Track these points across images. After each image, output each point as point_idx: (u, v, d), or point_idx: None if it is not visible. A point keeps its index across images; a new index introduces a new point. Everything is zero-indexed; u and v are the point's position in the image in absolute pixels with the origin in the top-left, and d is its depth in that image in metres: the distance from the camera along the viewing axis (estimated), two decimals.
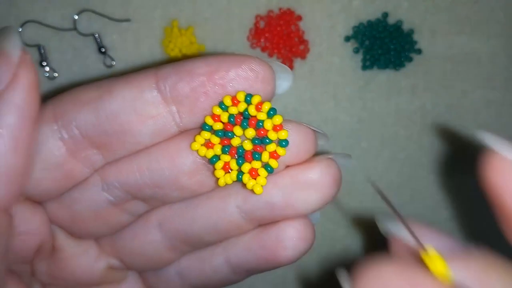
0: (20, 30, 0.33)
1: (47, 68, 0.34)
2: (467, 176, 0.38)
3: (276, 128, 0.22)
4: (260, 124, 0.22)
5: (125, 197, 0.24)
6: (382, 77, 0.36)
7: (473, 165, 0.38)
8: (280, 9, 0.34)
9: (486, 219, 0.38)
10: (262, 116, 0.22)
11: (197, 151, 0.22)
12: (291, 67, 0.35)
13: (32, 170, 0.22)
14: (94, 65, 0.34)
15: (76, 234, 0.25)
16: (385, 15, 0.35)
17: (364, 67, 0.35)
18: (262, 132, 0.22)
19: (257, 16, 0.34)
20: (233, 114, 0.22)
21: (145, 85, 0.22)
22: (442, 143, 0.37)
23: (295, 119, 0.35)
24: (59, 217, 0.25)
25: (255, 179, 0.22)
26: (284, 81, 0.23)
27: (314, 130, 0.23)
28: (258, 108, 0.22)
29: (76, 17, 0.33)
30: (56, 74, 0.34)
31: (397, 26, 0.35)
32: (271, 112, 0.22)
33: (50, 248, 0.25)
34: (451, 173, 0.37)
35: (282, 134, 0.22)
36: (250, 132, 0.22)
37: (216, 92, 0.22)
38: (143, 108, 0.22)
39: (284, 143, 0.22)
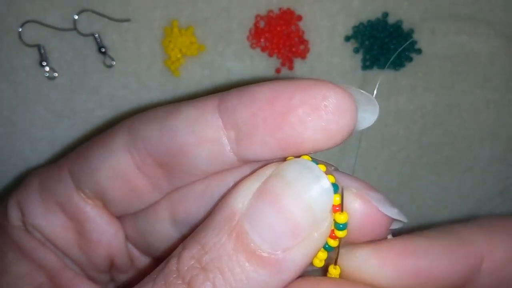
0: (20, 30, 0.33)
1: (47, 68, 0.34)
2: (467, 176, 0.38)
3: (335, 209, 0.19)
4: None
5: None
6: (382, 77, 0.36)
7: (473, 165, 0.38)
8: (280, 9, 0.34)
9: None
10: None
11: None
12: (291, 67, 0.35)
13: (101, 175, 0.23)
14: (94, 65, 0.34)
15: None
16: (385, 15, 0.35)
17: (364, 67, 0.35)
18: None
19: (257, 16, 0.34)
20: None
21: (208, 106, 0.21)
22: (442, 143, 0.37)
23: None
24: (132, 235, 0.25)
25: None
26: (369, 114, 0.20)
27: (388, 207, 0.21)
28: None
29: (76, 17, 0.33)
30: (56, 74, 0.34)
31: (397, 26, 0.35)
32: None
33: (127, 263, 0.26)
34: (451, 173, 0.37)
35: (340, 218, 0.19)
36: None
37: (276, 121, 0.19)
38: (202, 129, 0.21)
39: (341, 226, 0.19)
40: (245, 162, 0.21)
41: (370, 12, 0.35)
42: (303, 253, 0.18)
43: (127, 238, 0.25)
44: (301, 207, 0.18)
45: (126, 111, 0.35)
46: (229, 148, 0.21)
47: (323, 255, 0.20)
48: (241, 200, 0.19)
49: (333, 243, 0.20)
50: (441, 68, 0.36)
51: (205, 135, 0.21)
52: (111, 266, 0.26)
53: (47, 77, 0.34)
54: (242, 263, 0.18)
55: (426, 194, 0.37)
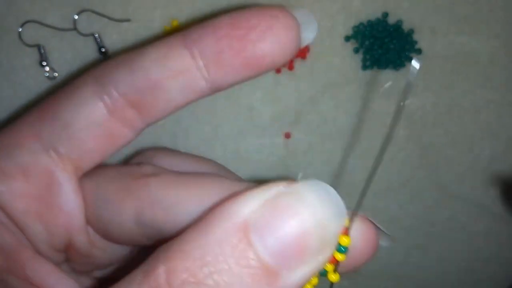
0: (20, 30, 0.33)
1: (47, 68, 0.34)
2: (467, 176, 0.38)
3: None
4: None
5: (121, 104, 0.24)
6: (382, 77, 0.36)
7: (473, 165, 0.38)
8: None
9: (485, 219, 0.38)
10: None
11: None
12: (291, 67, 0.35)
13: (75, 127, 0.23)
14: (94, 65, 0.34)
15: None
16: (385, 15, 0.35)
17: (364, 67, 0.35)
18: None
19: None
20: None
21: (173, 42, 0.23)
22: (442, 143, 0.37)
23: (295, 119, 0.36)
24: (90, 216, 0.25)
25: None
26: (309, 33, 0.23)
27: (379, 230, 0.22)
28: None
29: (76, 17, 0.33)
30: (56, 74, 0.34)
31: (397, 26, 0.35)
32: None
33: (85, 244, 0.25)
34: (451, 173, 0.37)
35: (344, 240, 0.19)
36: None
37: (239, 43, 0.22)
38: (172, 64, 0.23)
39: (343, 249, 0.19)
40: (215, 89, 0.24)
41: (370, 12, 0.35)
42: (304, 275, 0.17)
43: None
44: (316, 227, 0.18)
45: None
46: (199, 76, 0.23)
47: (315, 280, 0.19)
48: (250, 210, 0.17)
49: (328, 267, 0.19)
50: (441, 68, 0.36)
51: (176, 67, 0.23)
52: (68, 245, 0.24)
53: (47, 77, 0.34)
54: (245, 280, 0.17)
55: (426, 194, 0.37)
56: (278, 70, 0.35)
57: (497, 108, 0.36)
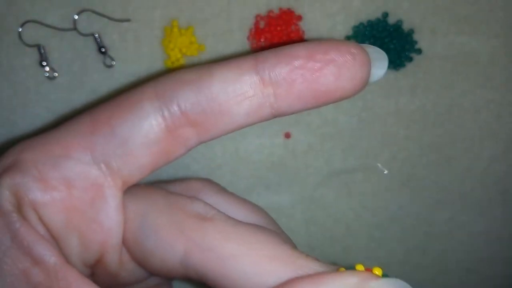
0: (20, 30, 0.33)
1: (47, 68, 0.34)
2: (467, 176, 0.38)
3: None
4: None
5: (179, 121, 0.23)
6: (382, 77, 0.36)
7: (473, 165, 0.38)
8: (280, 9, 0.34)
9: (485, 219, 0.38)
10: None
11: None
12: None
13: (132, 144, 0.23)
14: (94, 65, 0.34)
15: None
16: (385, 15, 0.35)
17: None
18: None
19: (257, 16, 0.34)
20: None
21: (244, 67, 0.23)
22: (442, 143, 0.37)
23: (295, 119, 0.36)
24: (129, 239, 0.24)
25: None
26: (379, 69, 0.24)
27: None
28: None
29: (76, 17, 0.33)
30: (56, 74, 0.34)
31: (397, 26, 0.35)
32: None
33: (116, 263, 0.24)
34: (451, 173, 0.37)
35: None
36: None
37: (313, 75, 0.22)
38: (242, 89, 0.23)
39: None
40: (278, 115, 0.24)
41: (370, 12, 0.35)
42: None
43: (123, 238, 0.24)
44: None
45: None
46: (266, 103, 0.23)
47: None
48: None
49: None
50: (441, 68, 0.36)
51: (245, 93, 0.23)
52: (98, 261, 0.24)
53: (47, 77, 0.34)
54: None
55: (426, 194, 0.37)
56: None
57: (497, 108, 0.36)
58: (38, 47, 0.33)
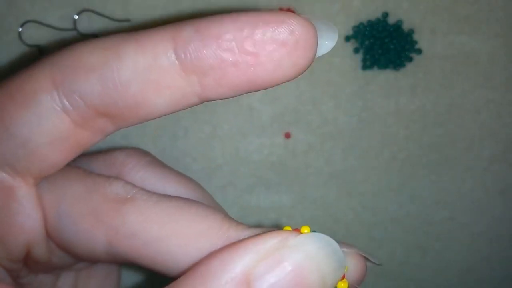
0: (20, 30, 0.33)
1: None
2: (467, 176, 0.38)
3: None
4: None
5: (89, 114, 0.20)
6: (382, 77, 0.36)
7: (473, 165, 0.38)
8: (280, 9, 0.34)
9: (485, 219, 0.38)
10: None
11: None
12: None
13: (35, 144, 0.20)
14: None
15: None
16: (385, 15, 0.35)
17: (364, 67, 0.35)
18: None
19: None
20: None
21: (160, 49, 0.19)
22: (442, 143, 0.37)
23: (295, 119, 0.36)
24: (51, 228, 0.22)
25: None
26: (328, 40, 0.20)
27: (367, 259, 0.22)
28: None
29: (76, 17, 0.33)
30: None
31: (397, 26, 0.35)
32: None
33: (44, 254, 0.22)
34: (451, 173, 0.37)
35: (342, 285, 0.19)
36: None
37: (248, 63, 0.18)
38: (158, 78, 0.19)
39: None
40: (205, 101, 0.20)
41: (370, 12, 0.35)
42: None
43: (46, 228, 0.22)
44: (319, 281, 0.18)
45: None
46: (190, 91, 0.19)
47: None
48: (251, 262, 0.17)
49: None
50: (441, 68, 0.36)
51: (163, 82, 0.19)
52: (27, 255, 0.22)
53: None
54: None
55: (426, 194, 0.37)
56: None
57: (497, 108, 0.36)
58: (38, 47, 0.33)
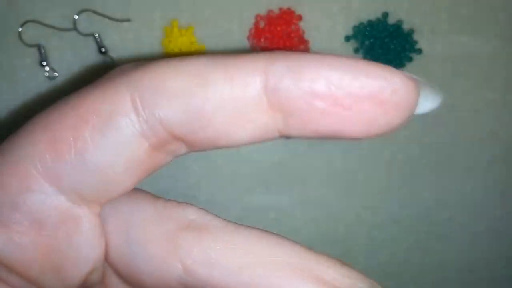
0: (20, 30, 0.33)
1: (47, 68, 0.34)
2: (467, 176, 0.38)
3: None
4: None
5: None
6: None
7: (473, 165, 0.38)
8: (280, 9, 0.34)
9: (485, 219, 0.38)
10: None
11: None
12: None
13: (112, 172, 0.19)
14: (94, 65, 0.34)
15: None
16: (385, 15, 0.35)
17: None
18: None
19: (257, 16, 0.34)
20: None
21: (251, 82, 0.18)
22: (442, 143, 0.37)
23: None
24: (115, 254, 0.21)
25: None
26: (428, 102, 0.18)
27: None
28: None
29: (76, 17, 0.33)
30: (56, 74, 0.34)
31: (397, 26, 0.35)
32: None
33: (98, 280, 0.21)
34: (451, 173, 0.37)
35: None
36: None
37: (339, 114, 0.17)
38: (244, 111, 0.18)
39: None
40: (287, 137, 0.19)
41: (370, 12, 0.35)
42: None
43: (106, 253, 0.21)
44: None
45: None
46: (275, 128, 0.18)
47: None
48: None
49: None
50: (441, 68, 0.36)
51: (248, 116, 0.18)
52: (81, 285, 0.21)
53: (47, 77, 0.34)
54: None
55: (426, 195, 0.37)
56: None
57: (497, 108, 0.36)
58: (38, 47, 0.33)
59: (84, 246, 0.19)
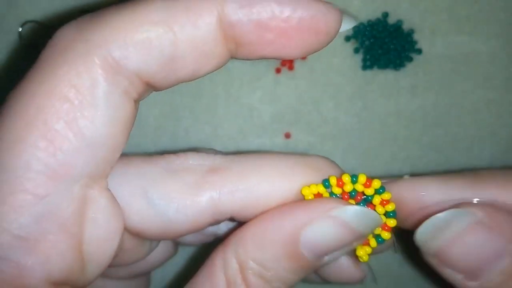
0: (20, 30, 0.33)
1: None
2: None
3: (383, 203, 0.23)
4: (369, 198, 0.23)
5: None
6: (382, 77, 0.36)
7: (473, 165, 0.38)
8: None
9: None
10: (370, 191, 0.23)
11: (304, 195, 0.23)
12: (291, 67, 0.35)
13: (113, 140, 0.20)
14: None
15: None
16: (385, 15, 0.35)
17: (364, 67, 0.35)
18: (370, 207, 0.23)
19: None
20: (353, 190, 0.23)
21: (209, 21, 0.19)
22: (442, 143, 0.37)
23: (295, 119, 0.36)
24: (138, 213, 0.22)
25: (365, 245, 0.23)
26: (345, 25, 0.22)
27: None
28: (367, 185, 0.23)
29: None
30: None
31: (397, 26, 0.35)
32: (381, 190, 0.23)
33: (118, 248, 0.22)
34: (451, 173, 0.37)
35: (389, 207, 0.23)
36: None
37: (282, 42, 0.20)
38: (208, 48, 0.20)
39: (392, 214, 0.23)
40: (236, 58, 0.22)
41: (370, 12, 0.35)
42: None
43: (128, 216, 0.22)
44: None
45: None
46: (228, 56, 0.21)
47: (369, 249, 0.23)
48: (297, 228, 0.21)
49: (386, 235, 0.23)
50: (441, 68, 0.36)
51: (210, 52, 0.20)
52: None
53: None
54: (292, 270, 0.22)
55: None
56: (278, 70, 0.35)
57: (497, 108, 0.36)
58: (38, 47, 0.33)
59: (107, 223, 0.20)
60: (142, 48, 0.19)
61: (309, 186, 0.22)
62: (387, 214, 0.23)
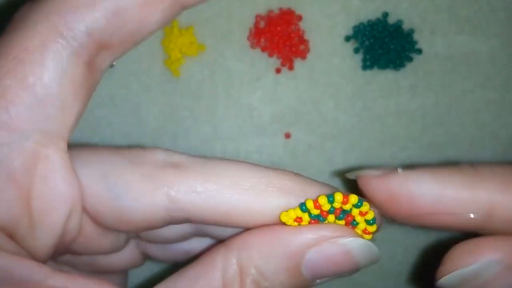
0: None
1: None
2: None
3: (362, 213, 0.23)
4: (348, 211, 0.23)
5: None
6: (382, 77, 0.36)
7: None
8: (280, 9, 0.34)
9: None
10: (348, 207, 0.23)
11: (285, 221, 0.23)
12: (291, 67, 0.35)
13: (64, 97, 0.20)
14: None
15: None
16: (385, 15, 0.35)
17: (364, 67, 0.35)
18: (349, 218, 0.23)
19: (257, 16, 0.34)
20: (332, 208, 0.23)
21: None
22: (442, 143, 0.37)
23: (295, 119, 0.36)
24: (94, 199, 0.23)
25: None
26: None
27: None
28: (344, 202, 0.23)
29: None
30: None
31: (397, 26, 0.35)
32: (359, 204, 0.23)
33: (75, 230, 0.22)
34: None
35: (369, 216, 0.23)
36: (341, 222, 0.23)
37: None
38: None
39: (371, 222, 0.23)
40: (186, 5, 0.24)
41: (370, 12, 0.35)
42: None
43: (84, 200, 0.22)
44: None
45: (126, 111, 0.35)
46: (176, 4, 0.23)
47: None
48: (306, 243, 0.22)
49: (367, 237, 0.23)
50: (441, 68, 0.36)
51: (155, 2, 0.21)
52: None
53: None
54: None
55: None
56: (278, 70, 0.35)
57: (497, 108, 0.36)
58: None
59: (60, 184, 0.21)
60: (87, 7, 0.20)
61: (287, 211, 0.22)
62: (367, 222, 0.23)
